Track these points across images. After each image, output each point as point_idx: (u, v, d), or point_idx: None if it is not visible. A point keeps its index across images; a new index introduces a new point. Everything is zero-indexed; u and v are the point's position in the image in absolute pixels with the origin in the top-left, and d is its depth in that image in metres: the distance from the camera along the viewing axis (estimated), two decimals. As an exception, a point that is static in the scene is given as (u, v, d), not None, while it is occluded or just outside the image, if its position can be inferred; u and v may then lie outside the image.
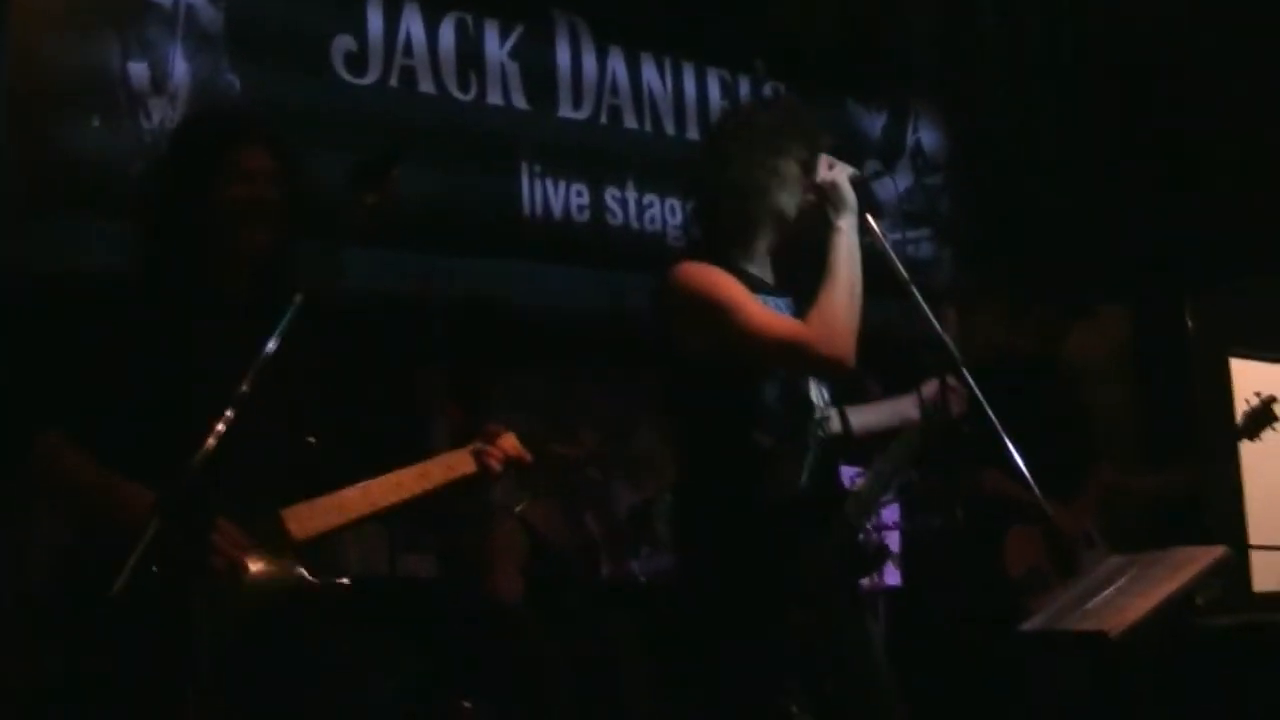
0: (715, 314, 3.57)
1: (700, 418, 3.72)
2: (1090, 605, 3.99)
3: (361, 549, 5.42)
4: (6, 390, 3.53)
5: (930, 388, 3.98)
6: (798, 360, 3.61)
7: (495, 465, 3.62)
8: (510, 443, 3.68)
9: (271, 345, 3.10)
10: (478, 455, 3.61)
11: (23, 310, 4.73)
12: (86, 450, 3.31)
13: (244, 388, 3.05)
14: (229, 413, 3.01)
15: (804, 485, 3.71)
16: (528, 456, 3.71)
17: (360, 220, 3.32)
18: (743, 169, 3.72)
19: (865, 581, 5.96)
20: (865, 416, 4.02)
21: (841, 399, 3.91)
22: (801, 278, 3.78)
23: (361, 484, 3.47)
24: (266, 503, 3.34)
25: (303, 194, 3.59)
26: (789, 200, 3.73)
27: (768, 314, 3.59)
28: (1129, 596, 3.94)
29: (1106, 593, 4.02)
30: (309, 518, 3.38)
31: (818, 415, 3.80)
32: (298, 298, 3.15)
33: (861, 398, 4.07)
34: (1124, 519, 5.96)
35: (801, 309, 3.67)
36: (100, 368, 3.36)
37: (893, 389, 4.16)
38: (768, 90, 7.78)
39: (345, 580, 3.41)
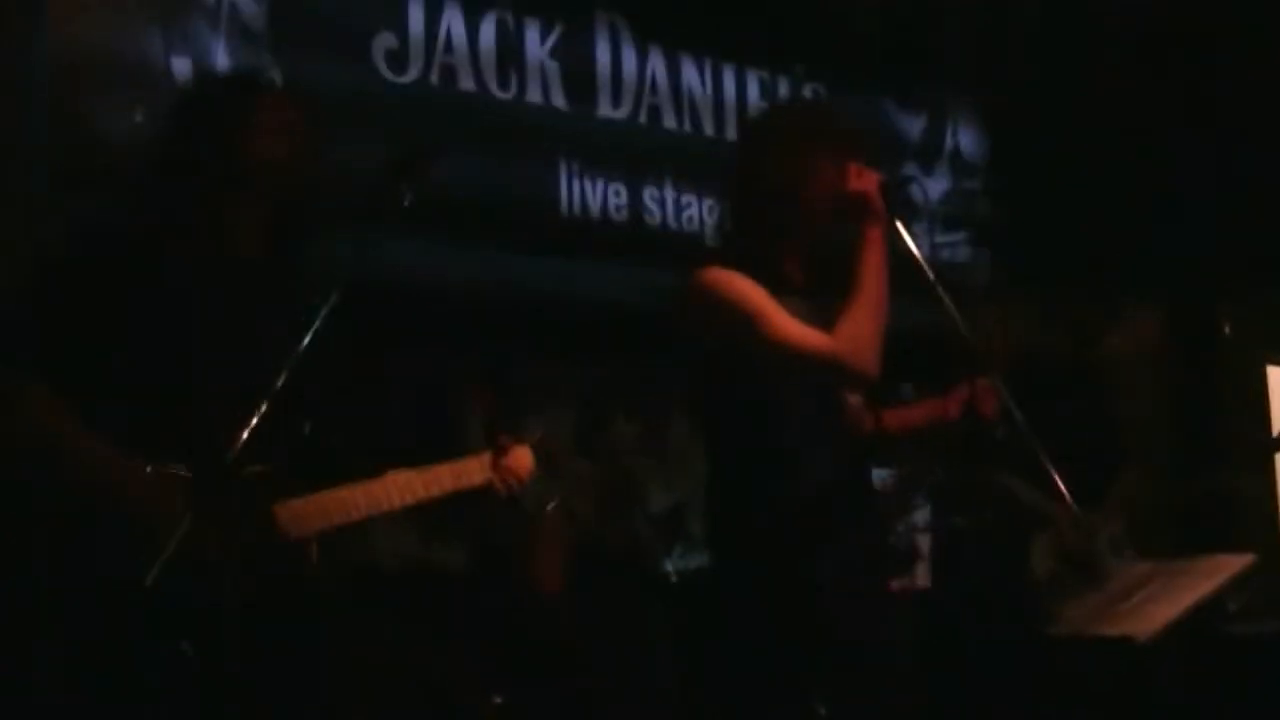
0: (741, 322, 3.60)
1: (729, 417, 3.75)
2: (1118, 610, 4.00)
3: (393, 539, 5.45)
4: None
5: (966, 390, 4.00)
6: (823, 373, 3.62)
7: (502, 486, 3.62)
8: (524, 462, 3.67)
9: (306, 341, 3.10)
10: (489, 469, 3.60)
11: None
12: (72, 412, 3.20)
13: (279, 383, 3.05)
14: (263, 407, 3.02)
15: (833, 484, 3.74)
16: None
17: (394, 215, 3.32)
18: (776, 170, 3.74)
19: (896, 583, 5.99)
20: (901, 417, 4.04)
21: (874, 399, 3.92)
22: (831, 278, 3.80)
23: (365, 483, 3.45)
24: (266, 495, 3.30)
25: (320, 166, 3.55)
26: (821, 203, 3.75)
27: (794, 325, 3.60)
28: (1157, 603, 3.96)
29: (1134, 599, 4.04)
30: (304, 516, 3.34)
31: (849, 414, 3.83)
32: (333, 295, 3.15)
33: (893, 400, 4.09)
34: (1154, 523, 5.97)
35: (829, 311, 3.68)
36: (102, 330, 3.25)
37: (926, 391, 4.18)
38: (807, 92, 7.79)
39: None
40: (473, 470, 3.59)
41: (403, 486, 3.49)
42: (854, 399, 3.84)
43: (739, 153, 3.98)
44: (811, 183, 3.74)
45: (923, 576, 6.30)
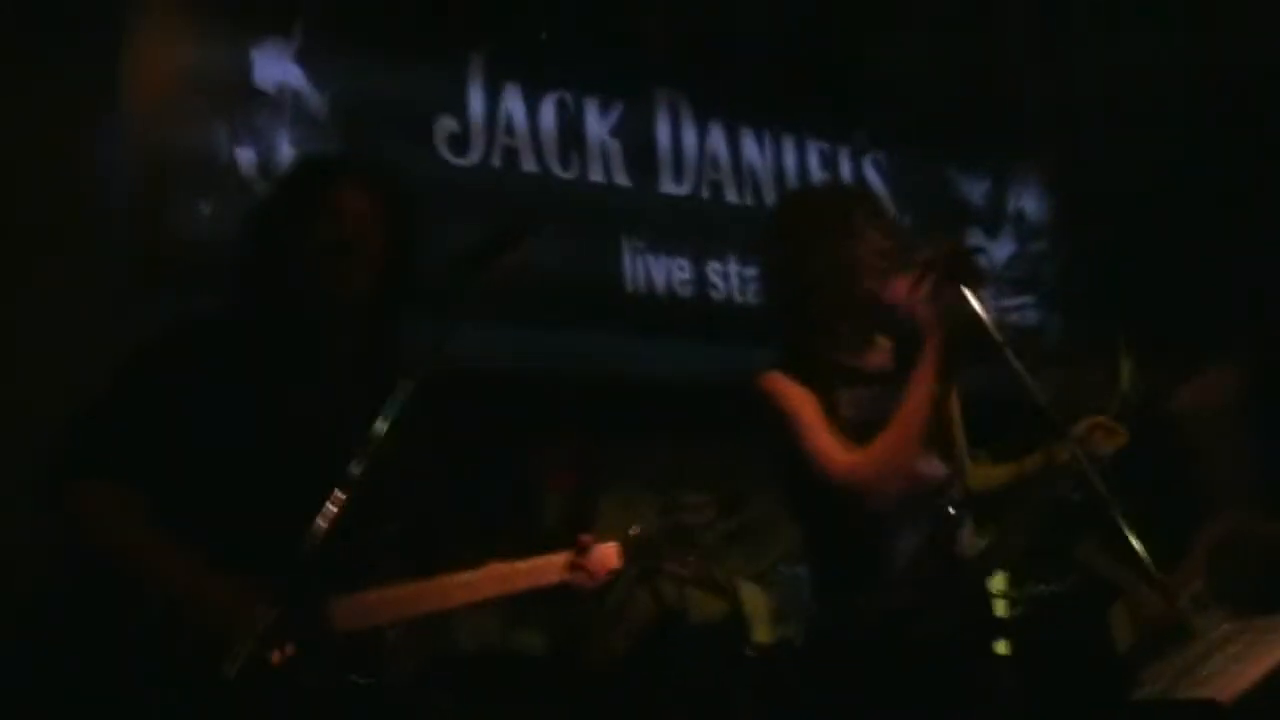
0: (791, 433, 3.67)
1: (817, 494, 3.72)
2: (1202, 673, 3.97)
3: (472, 622, 5.45)
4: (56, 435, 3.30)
5: (1042, 456, 4.00)
6: (849, 489, 3.61)
7: (584, 583, 3.54)
8: (607, 560, 3.58)
9: (380, 428, 3.07)
10: (565, 570, 3.53)
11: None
12: (139, 500, 3.18)
13: (356, 473, 3.04)
14: (340, 495, 3.00)
15: (926, 552, 3.72)
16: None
17: (470, 301, 3.31)
18: (814, 256, 3.75)
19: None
20: (984, 477, 4.03)
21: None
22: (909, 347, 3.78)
23: (438, 579, 3.41)
24: (335, 586, 3.27)
25: (407, 241, 3.51)
26: (873, 278, 3.73)
27: (827, 443, 3.63)
28: (1241, 663, 3.92)
29: (1218, 659, 4.00)
30: (363, 611, 3.31)
31: (932, 483, 3.80)
32: (408, 384, 3.12)
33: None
34: (1238, 579, 5.88)
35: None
36: (179, 415, 3.23)
37: (1002, 456, 4.15)
38: (868, 160, 7.80)
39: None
40: (550, 569, 3.53)
41: (463, 585, 3.44)
42: (935, 463, 3.81)
43: (773, 244, 3.96)
44: (856, 260, 3.73)
45: (1001, 645, 6.24)
